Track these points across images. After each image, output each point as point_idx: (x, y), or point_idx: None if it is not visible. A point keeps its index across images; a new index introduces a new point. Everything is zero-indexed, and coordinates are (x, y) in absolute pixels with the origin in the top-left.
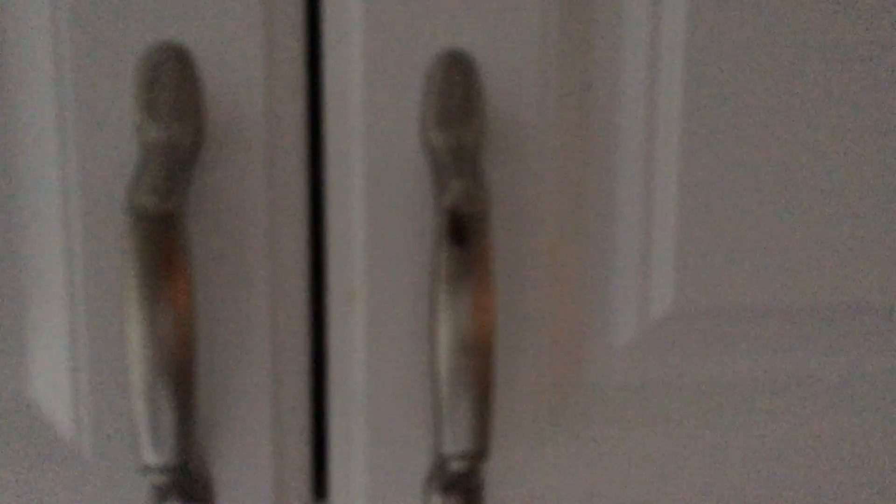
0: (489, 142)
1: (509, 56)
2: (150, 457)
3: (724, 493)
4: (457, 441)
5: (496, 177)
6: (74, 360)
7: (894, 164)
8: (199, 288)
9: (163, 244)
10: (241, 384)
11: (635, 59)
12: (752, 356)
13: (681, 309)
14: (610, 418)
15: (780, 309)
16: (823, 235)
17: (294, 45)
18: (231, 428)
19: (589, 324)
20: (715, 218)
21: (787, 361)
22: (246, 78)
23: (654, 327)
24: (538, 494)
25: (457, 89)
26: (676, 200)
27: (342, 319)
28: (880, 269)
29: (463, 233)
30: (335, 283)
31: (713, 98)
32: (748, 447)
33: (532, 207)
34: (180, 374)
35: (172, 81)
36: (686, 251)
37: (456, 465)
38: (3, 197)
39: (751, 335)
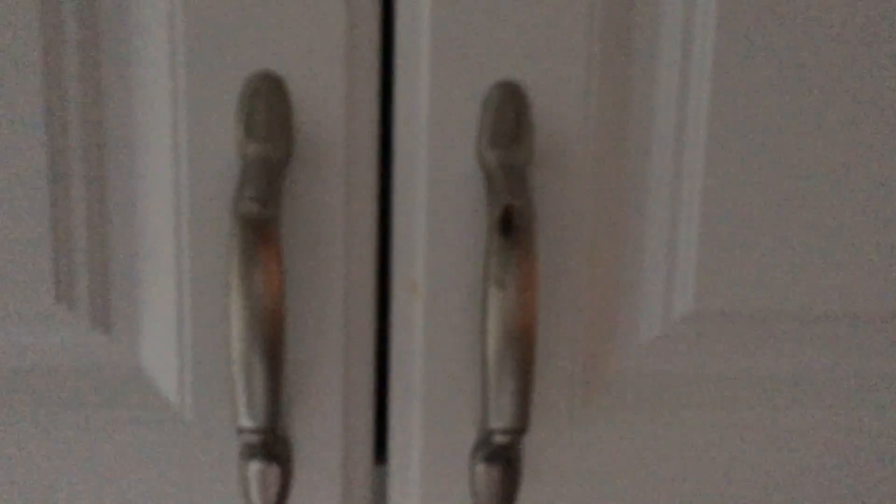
0: (537, 158)
1: (556, 86)
2: (245, 420)
3: (737, 477)
4: (500, 418)
5: (541, 188)
6: (180, 336)
7: None
8: (288, 277)
9: (261, 243)
10: (319, 361)
11: (668, 86)
12: (766, 354)
13: (701, 309)
14: (634, 404)
15: (792, 312)
16: (836, 245)
17: (370, 75)
18: (308, 398)
19: (618, 319)
20: (735, 228)
21: (798, 361)
22: (328, 102)
23: (677, 324)
24: (569, 467)
25: (509, 115)
26: (700, 211)
27: (404, 309)
28: (878, 277)
29: (511, 226)
30: (399, 278)
31: (735, 121)
32: (761, 437)
33: (572, 216)
34: (272, 350)
35: (268, 105)
36: (708, 257)
37: (499, 439)
38: (126, 199)
39: (765, 335)
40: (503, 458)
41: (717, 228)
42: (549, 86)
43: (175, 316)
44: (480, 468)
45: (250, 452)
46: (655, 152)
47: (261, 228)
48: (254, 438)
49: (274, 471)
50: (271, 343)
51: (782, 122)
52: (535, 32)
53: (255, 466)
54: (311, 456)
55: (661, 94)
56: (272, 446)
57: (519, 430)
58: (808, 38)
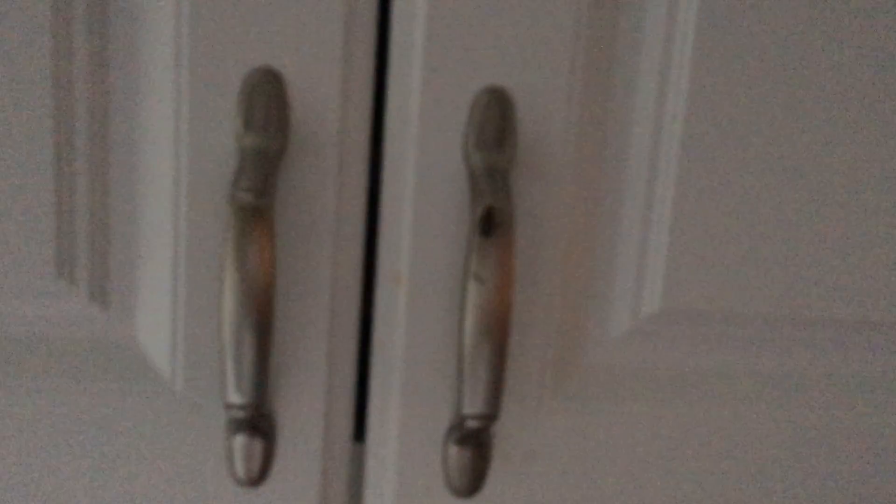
0: (519, 160)
1: (540, 93)
2: (233, 395)
3: (696, 469)
4: (473, 404)
5: (522, 189)
6: (174, 313)
7: (867, 185)
8: (279, 263)
9: (254, 230)
10: (305, 343)
11: (646, 96)
12: (729, 353)
13: (668, 308)
14: (602, 396)
15: (755, 314)
16: (800, 250)
17: (365, 74)
18: (293, 378)
19: (589, 315)
20: (703, 233)
21: (760, 360)
22: (324, 99)
23: (645, 322)
24: (537, 451)
25: (494, 119)
26: (671, 216)
27: (388, 297)
28: (846, 283)
29: (491, 226)
30: (384, 268)
31: (708, 132)
32: (722, 433)
33: (549, 216)
34: (261, 330)
35: (266, 99)
36: (676, 260)
37: (471, 423)
38: (127, 181)
39: (729, 335)
40: (475, 442)
41: (686, 233)
42: (534, 93)
43: (170, 294)
44: (453, 450)
45: (236, 426)
46: (631, 159)
47: (255, 216)
48: (240, 413)
49: (258, 445)
50: (261, 323)
51: (754, 133)
52: (524, 41)
53: (240, 440)
54: (293, 432)
55: (640, 103)
56: (257, 421)
57: (490, 415)
58: (782, 49)
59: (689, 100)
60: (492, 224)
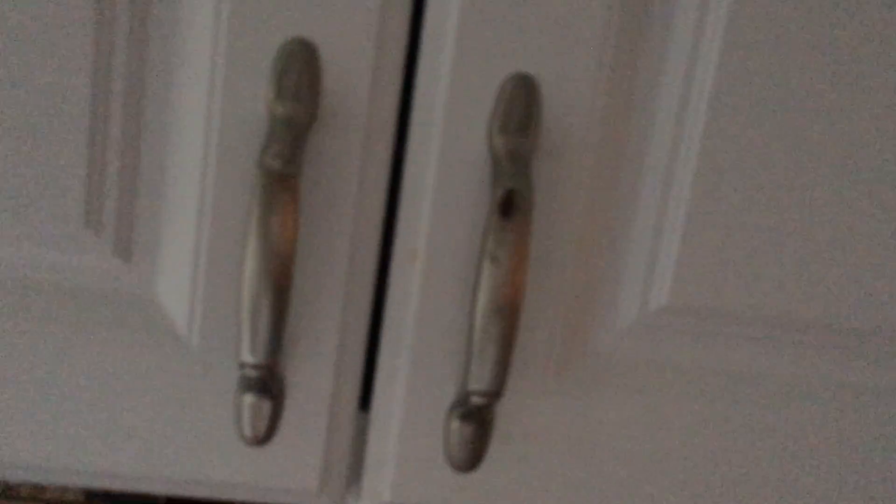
0: (542, 146)
1: (567, 83)
2: (247, 355)
3: (695, 463)
4: (479, 381)
5: (542, 175)
6: (195, 272)
7: (883, 192)
8: (300, 229)
9: (280, 196)
10: (320, 309)
11: (671, 90)
12: (734, 352)
13: (676, 303)
14: (604, 383)
15: (763, 315)
16: (811, 255)
17: (397, 52)
18: (306, 342)
19: (599, 303)
20: (715, 232)
21: (766, 360)
22: (356, 73)
23: (652, 315)
24: (537, 433)
25: (519, 106)
26: (686, 213)
27: (403, 273)
28: (849, 289)
29: (511, 208)
30: (402, 243)
31: (729, 132)
32: (716, 428)
33: (567, 203)
34: (279, 293)
35: (299, 69)
36: (687, 256)
37: (475, 400)
38: (159, 140)
39: (735, 334)
40: (477, 418)
41: (699, 229)
42: (561, 81)
43: (192, 253)
44: (455, 425)
45: (246, 385)
46: (651, 152)
47: (281, 183)
48: (252, 373)
49: (266, 405)
50: (279, 287)
51: (776, 133)
52: (554, 30)
53: (249, 399)
54: (301, 396)
55: (664, 97)
56: (267, 382)
57: (495, 393)
58: (811, 49)
59: (712, 96)
60: (511, 207)
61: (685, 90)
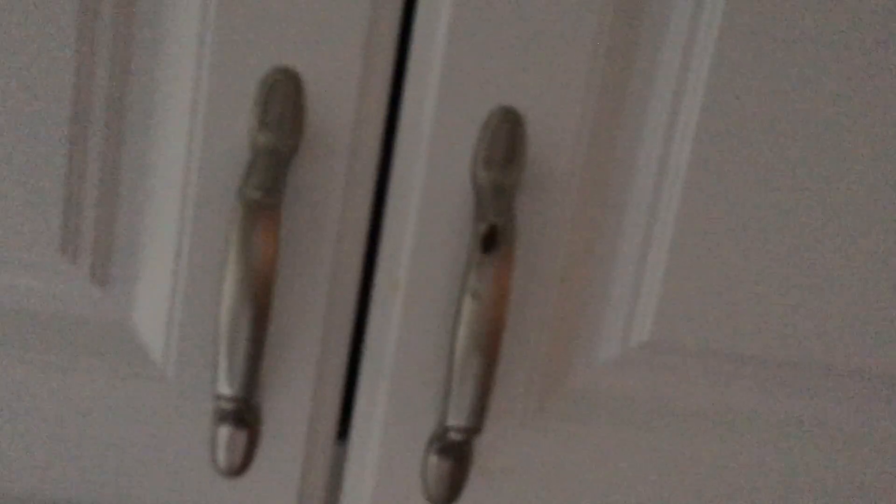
0: (526, 181)
1: (552, 118)
2: (223, 387)
3: (675, 500)
4: (458, 416)
5: (525, 209)
6: (173, 301)
7: (870, 231)
8: (280, 259)
9: (260, 227)
10: (299, 338)
11: (656, 125)
12: (713, 389)
13: (657, 340)
14: (584, 419)
15: (743, 355)
16: (791, 298)
17: (382, 84)
18: (284, 371)
19: (580, 338)
20: (699, 270)
21: (744, 395)
22: (340, 103)
23: (634, 351)
24: (516, 468)
25: (505, 139)
26: (669, 250)
27: (384, 303)
28: (834, 327)
29: (492, 244)
30: (383, 274)
31: (714, 170)
32: (697, 466)
33: (550, 237)
34: (257, 324)
35: (283, 99)
36: (670, 293)
37: (454, 435)
38: (139, 167)
39: (715, 371)
40: (455, 453)
41: (682, 266)
42: (547, 117)
43: (171, 281)
44: (433, 459)
45: (222, 417)
46: (635, 189)
47: (261, 214)
48: (228, 405)
49: (242, 436)
50: (258, 318)
51: (760, 173)
52: (541, 65)
53: (224, 431)
54: (278, 425)
55: (648, 135)
56: (244, 413)
57: (473, 429)
58: (794, 93)
59: (696, 135)
60: (493, 242)
61: (670, 125)
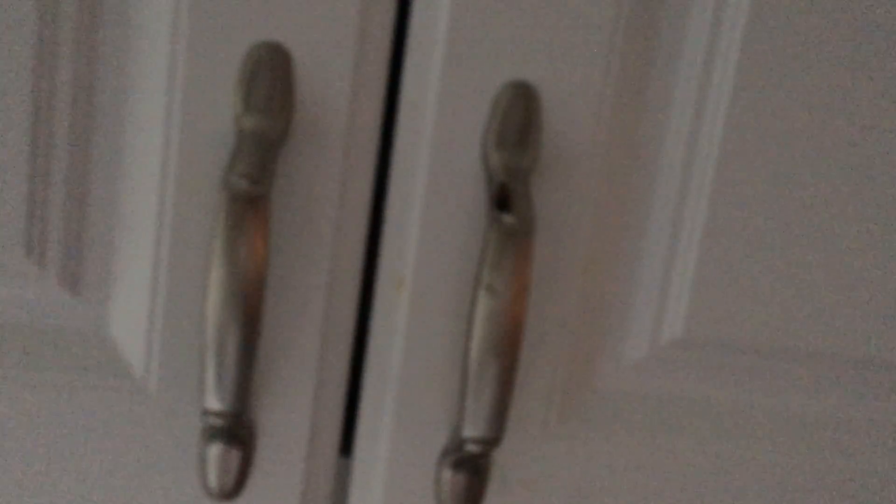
0: (542, 163)
1: (570, 91)
2: (212, 401)
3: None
4: (475, 426)
5: (543, 195)
6: (153, 306)
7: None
8: (271, 257)
9: (247, 220)
10: (294, 345)
11: (684, 106)
12: (747, 386)
13: (691, 336)
14: (611, 424)
15: (777, 348)
16: (830, 287)
17: (380, 58)
18: (279, 382)
19: (606, 337)
20: (732, 261)
21: (781, 394)
22: (334, 82)
23: (664, 349)
24: (538, 482)
25: (518, 117)
26: (701, 237)
27: (388, 304)
28: (870, 323)
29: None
30: (386, 271)
31: (747, 151)
32: (734, 469)
33: (571, 227)
34: (248, 329)
35: (271, 78)
36: (703, 284)
37: (471, 447)
38: (110, 159)
39: (753, 368)
40: (471, 467)
41: (716, 255)
42: (564, 90)
43: (150, 284)
44: (447, 474)
45: (212, 434)
46: (663, 171)
47: (249, 205)
48: (218, 421)
49: (235, 455)
50: (248, 323)
51: (794, 158)
52: (556, 33)
53: (215, 449)
54: (275, 441)
55: (677, 112)
56: (235, 429)
57: (492, 440)
58: (828, 66)
59: (729, 112)
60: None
61: (700, 98)
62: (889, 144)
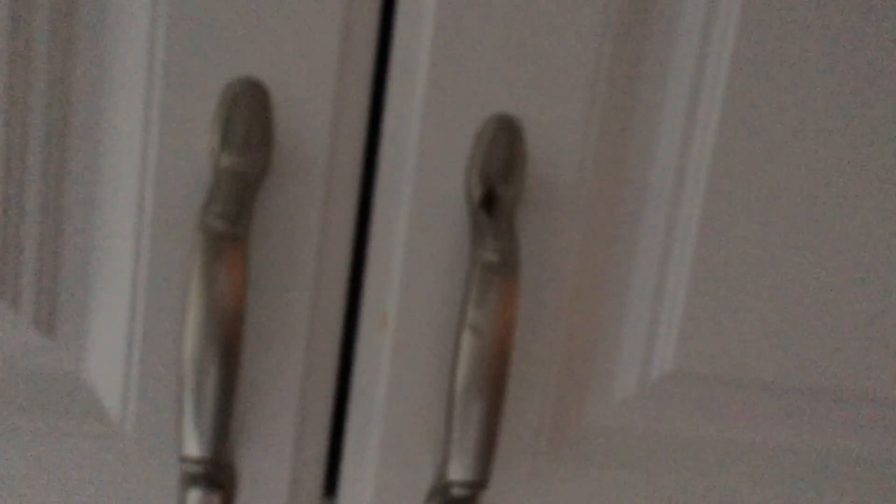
0: (526, 197)
1: (554, 125)
2: (190, 448)
3: None
4: (461, 469)
5: (527, 229)
6: (129, 349)
7: (892, 253)
8: (250, 297)
9: (224, 261)
10: (275, 386)
11: (671, 136)
12: (738, 422)
13: (680, 372)
14: (601, 462)
15: (768, 383)
16: (822, 321)
17: (361, 94)
18: (259, 425)
19: (594, 373)
20: (722, 295)
21: (775, 430)
22: (313, 118)
23: (654, 385)
24: None
25: (501, 151)
26: (690, 270)
27: (371, 341)
28: (863, 357)
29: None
30: (369, 309)
31: (734, 185)
32: None
33: (556, 260)
34: (225, 373)
35: (248, 115)
36: (691, 322)
37: (457, 491)
38: (85, 199)
39: (739, 403)
40: None
41: (705, 290)
42: (548, 124)
43: (126, 326)
44: None
45: (191, 480)
46: (650, 204)
47: (226, 245)
48: (197, 468)
49: (215, 501)
50: (226, 366)
51: (781, 192)
52: (539, 66)
53: (195, 495)
54: (256, 484)
55: (663, 144)
56: (215, 473)
57: (479, 483)
58: (813, 106)
59: (716, 143)
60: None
61: (687, 130)
62: (888, 178)
